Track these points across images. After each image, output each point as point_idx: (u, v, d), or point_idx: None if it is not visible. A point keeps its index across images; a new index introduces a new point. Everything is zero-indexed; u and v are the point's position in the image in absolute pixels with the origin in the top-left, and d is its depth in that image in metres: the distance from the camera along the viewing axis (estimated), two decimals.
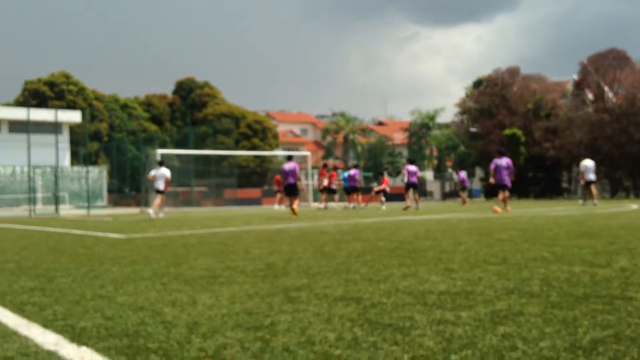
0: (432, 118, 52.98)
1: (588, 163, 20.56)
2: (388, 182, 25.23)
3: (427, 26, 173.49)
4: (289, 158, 17.65)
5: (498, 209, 16.04)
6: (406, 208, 19.75)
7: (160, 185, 17.96)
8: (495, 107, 36.16)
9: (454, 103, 41.39)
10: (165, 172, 18.13)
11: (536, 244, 6.49)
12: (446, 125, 51.47)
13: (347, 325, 2.89)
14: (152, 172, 18.38)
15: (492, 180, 17.16)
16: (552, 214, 14.11)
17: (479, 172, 42.83)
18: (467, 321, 2.91)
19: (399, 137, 60.59)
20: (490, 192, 36.42)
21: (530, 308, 3.18)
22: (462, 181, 27.79)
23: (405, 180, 20.79)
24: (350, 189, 23.66)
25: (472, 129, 38.01)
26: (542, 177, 35.52)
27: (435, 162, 51.34)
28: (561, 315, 3.00)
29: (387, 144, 55.99)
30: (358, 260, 5.39)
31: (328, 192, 24.46)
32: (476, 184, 42.61)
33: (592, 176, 20.34)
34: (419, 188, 26.24)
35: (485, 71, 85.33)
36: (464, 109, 39.17)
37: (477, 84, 43.04)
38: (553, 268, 4.63)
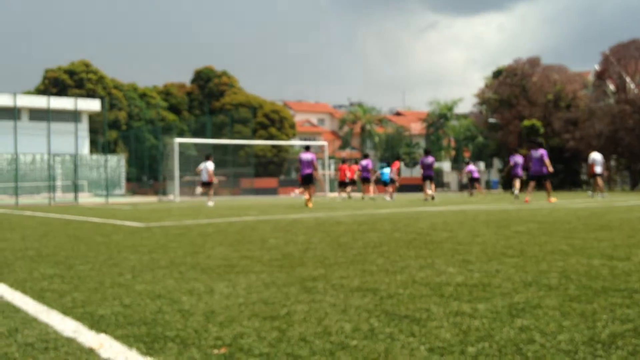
0: (450, 109, 52.58)
1: (596, 156, 20.91)
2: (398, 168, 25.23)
3: (448, 15, 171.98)
4: (307, 148, 17.80)
5: (553, 199, 16.83)
6: (426, 199, 19.96)
7: (205, 177, 20.35)
8: (514, 98, 35.72)
9: (473, 93, 40.97)
10: (209, 165, 20.27)
11: (554, 237, 6.43)
12: (464, 116, 51.04)
13: (363, 316, 2.89)
14: (200, 166, 20.71)
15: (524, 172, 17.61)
16: (570, 206, 13.96)
17: (497, 163, 42.44)
18: (484, 313, 2.90)
19: (417, 128, 60.28)
20: (508, 183, 36.18)
21: (548, 301, 3.16)
22: (470, 172, 27.68)
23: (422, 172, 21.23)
24: (364, 180, 24.24)
25: (491, 120, 37.61)
26: (561, 169, 35.18)
27: (453, 153, 50.97)
28: (580, 309, 2.97)
29: (405, 135, 55.72)
30: (374, 251, 5.38)
31: (347, 184, 25.11)
32: (494, 176, 42.24)
33: (599, 169, 20.73)
34: (435, 179, 26.37)
35: (505, 61, 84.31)
36: (482, 100, 38.74)
37: (497, 74, 42.54)
38: (572, 261, 4.59)
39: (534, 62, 36.99)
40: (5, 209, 18.10)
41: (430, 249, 5.52)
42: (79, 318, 2.96)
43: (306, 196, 16.44)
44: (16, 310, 3.17)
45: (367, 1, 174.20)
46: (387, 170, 24.85)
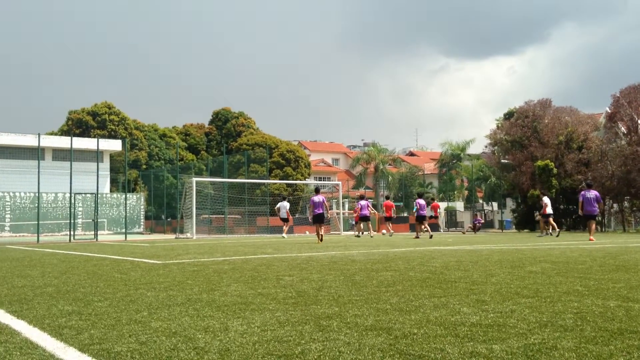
0: (462, 149, 52.71)
1: (546, 199, 23.59)
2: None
3: (458, 58, 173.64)
4: (317, 191, 19.84)
5: (593, 238, 17.37)
6: (417, 237, 21.95)
7: (283, 214, 24.90)
8: (526, 139, 35.72)
9: (485, 134, 41.09)
10: (285, 204, 25.18)
11: (569, 277, 6.37)
12: (477, 157, 51.04)
13: (377, 355, 2.90)
14: (278, 205, 25.40)
15: (580, 212, 18.75)
16: (585, 246, 13.78)
17: (510, 203, 42.19)
18: (499, 354, 2.89)
19: (430, 168, 60.34)
20: (521, 223, 35.91)
21: (564, 342, 3.14)
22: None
23: (415, 212, 23.48)
24: (363, 218, 25.65)
25: (504, 161, 37.55)
26: (574, 210, 34.92)
27: (466, 192, 50.81)
28: (596, 351, 2.95)
29: (418, 174, 55.76)
30: (389, 290, 5.38)
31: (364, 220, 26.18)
32: (507, 216, 41.92)
33: (549, 209, 23.29)
34: (445, 218, 27.37)
35: (516, 103, 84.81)
36: (495, 141, 38.78)
37: (509, 115, 42.69)
38: (587, 302, 4.55)
39: (545, 104, 37.11)
40: (26, 246, 18.31)
41: (444, 288, 5.50)
42: (96, 355, 3.00)
43: (321, 232, 18.23)
44: (34, 346, 3.22)
45: (380, 45, 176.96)
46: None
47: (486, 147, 42.61)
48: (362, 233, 26.92)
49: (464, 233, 29.53)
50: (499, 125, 41.93)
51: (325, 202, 19.03)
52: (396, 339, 3.26)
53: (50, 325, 3.85)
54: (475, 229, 32.57)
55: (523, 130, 36.10)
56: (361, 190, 53.50)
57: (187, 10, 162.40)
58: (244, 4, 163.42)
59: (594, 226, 18.41)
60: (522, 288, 5.44)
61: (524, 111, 37.33)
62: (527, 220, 35.40)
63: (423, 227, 23.20)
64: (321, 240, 17.97)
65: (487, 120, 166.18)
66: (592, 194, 18.17)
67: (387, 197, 31.89)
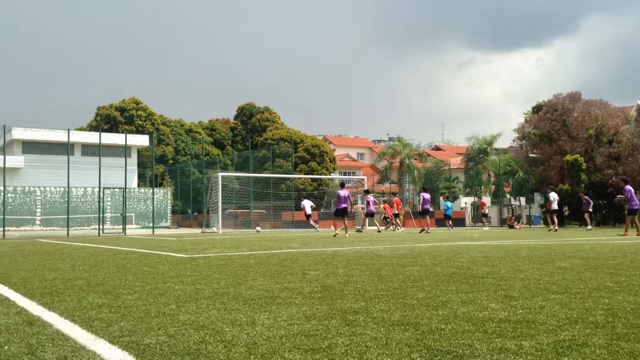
0: (489, 143, 52.03)
1: (554, 194, 24.89)
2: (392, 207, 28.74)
3: (485, 51, 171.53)
4: (342, 185, 20.35)
5: (628, 233, 18.19)
6: (422, 231, 23.09)
7: (308, 211, 28.38)
8: (555, 133, 35.05)
9: (512, 128, 40.56)
10: (306, 202, 28.69)
11: (599, 273, 6.25)
12: (504, 151, 50.35)
13: (405, 350, 2.89)
14: (302, 203, 28.60)
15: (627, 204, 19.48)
16: (615, 241, 13.51)
17: (538, 198, 41.55)
18: (529, 351, 2.85)
19: (456, 162, 59.73)
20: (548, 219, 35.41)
21: (595, 339, 3.08)
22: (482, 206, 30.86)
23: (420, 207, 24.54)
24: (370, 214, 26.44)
25: (532, 155, 36.94)
26: (604, 205, 34.19)
27: (493, 187, 50.23)
28: (628, 348, 2.89)
29: (444, 169, 55.26)
30: (415, 285, 5.35)
31: (369, 215, 27.02)
32: (535, 211, 41.31)
33: (555, 205, 24.51)
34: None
35: (544, 96, 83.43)
36: (523, 135, 38.14)
37: (537, 109, 41.98)
38: (618, 298, 4.46)
39: (574, 97, 36.36)
40: (57, 240, 18.69)
41: (471, 283, 5.45)
42: (126, 347, 3.04)
43: (345, 226, 18.70)
44: (66, 338, 3.28)
45: (405, 39, 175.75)
46: (450, 205, 29.67)
47: (514, 141, 42.04)
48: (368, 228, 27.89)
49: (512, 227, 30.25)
50: (527, 118, 41.28)
51: (350, 197, 19.59)
52: (423, 334, 3.24)
53: (81, 317, 3.91)
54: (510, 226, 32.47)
55: (552, 124, 35.48)
56: (386, 186, 53.27)
57: (212, 6, 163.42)
58: (268, 1, 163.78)
59: (632, 221, 18.89)
60: (552, 284, 5.36)
61: (552, 104, 36.66)
62: (556, 216, 34.81)
63: (426, 223, 24.25)
64: (346, 234, 18.33)
65: (514, 114, 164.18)
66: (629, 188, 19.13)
67: (395, 194, 32.80)
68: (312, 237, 17.90)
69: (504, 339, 3.12)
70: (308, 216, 28.33)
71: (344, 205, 19.08)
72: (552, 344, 2.98)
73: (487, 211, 31.26)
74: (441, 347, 2.93)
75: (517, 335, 3.19)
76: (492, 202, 47.34)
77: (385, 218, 29.14)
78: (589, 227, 24.87)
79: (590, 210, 26.17)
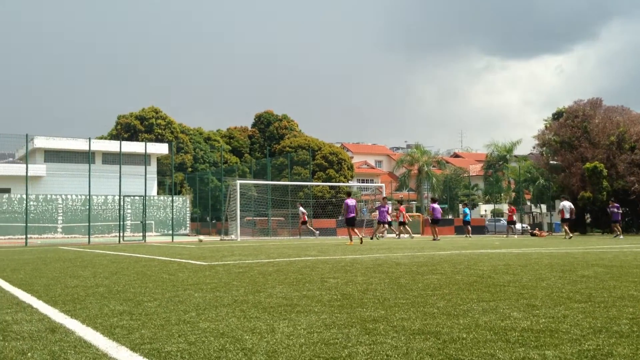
0: (509, 150, 51.62)
1: (565, 203, 25.20)
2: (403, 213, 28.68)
3: (503, 57, 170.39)
4: (349, 194, 21.68)
5: None
6: (434, 239, 23.06)
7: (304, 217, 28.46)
8: (576, 140, 34.67)
9: (532, 135, 40.19)
10: (302, 209, 29.02)
11: (623, 282, 6.15)
12: (524, 158, 49.90)
13: (426, 359, 2.86)
14: (301, 209, 28.74)
15: None
16: (638, 249, 13.29)
17: (559, 205, 41.12)
18: None
19: (475, 169, 59.31)
20: (571, 226, 34.92)
21: (620, 349, 3.03)
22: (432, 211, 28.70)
23: (431, 216, 25.12)
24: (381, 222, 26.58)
25: (552, 162, 36.57)
26: (626, 212, 33.67)
27: (513, 194, 49.75)
28: None
29: (463, 176, 54.87)
30: (435, 294, 5.30)
31: (402, 224, 27.57)
32: (557, 218, 40.83)
33: (567, 215, 24.92)
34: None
35: (564, 103, 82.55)
36: (543, 141, 37.78)
37: (557, 115, 41.61)
38: None
39: (595, 103, 35.96)
40: (78, 247, 18.91)
41: (492, 292, 5.39)
42: (147, 354, 3.06)
43: (360, 235, 19.34)
44: (88, 345, 3.30)
45: (422, 46, 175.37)
46: (468, 212, 29.86)
47: (534, 148, 41.68)
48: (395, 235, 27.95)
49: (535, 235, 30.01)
50: (548, 125, 40.93)
51: (356, 205, 20.62)
52: (445, 343, 3.21)
53: (103, 324, 3.95)
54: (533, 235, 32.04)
55: (572, 130, 35.11)
56: (404, 193, 53.06)
57: (230, 15, 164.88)
58: (285, 7, 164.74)
59: None
60: (575, 293, 5.29)
61: (573, 111, 36.31)
62: (577, 223, 34.40)
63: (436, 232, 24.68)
64: (361, 242, 18.65)
65: (533, 121, 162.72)
66: None
67: (401, 202, 33.21)
68: (330, 245, 17.88)
69: (526, 348, 3.07)
70: (304, 223, 28.71)
71: (352, 215, 19.73)
72: (576, 354, 2.93)
73: (515, 218, 30.84)
74: (463, 357, 2.90)
75: (540, 345, 3.14)
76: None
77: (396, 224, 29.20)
78: (620, 236, 24.66)
79: (619, 218, 25.98)
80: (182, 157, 50.47)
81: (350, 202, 20.10)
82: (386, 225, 26.46)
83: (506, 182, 52.27)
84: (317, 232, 28.97)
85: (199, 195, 45.71)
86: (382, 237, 26.68)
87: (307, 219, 29.11)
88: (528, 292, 5.34)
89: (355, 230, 19.80)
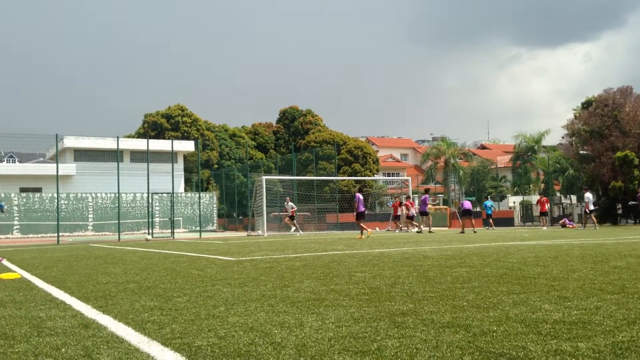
0: (537, 141, 50.79)
1: (589, 195, 25.61)
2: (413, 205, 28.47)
3: (530, 47, 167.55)
4: (361, 190, 22.33)
5: None
6: (462, 232, 23.11)
7: (414, 211, 26.52)
8: (606, 129, 33.92)
9: (561, 125, 39.42)
10: (291, 204, 27.75)
11: None
12: (553, 148, 49.05)
13: (456, 352, 2.84)
14: (290, 204, 27.51)
15: None
16: None
17: (585, 198, 40.35)
18: (586, 352, 2.76)
19: (503, 161, 58.52)
20: (602, 217, 34.25)
21: None
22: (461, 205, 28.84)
23: (461, 209, 25.33)
24: (422, 213, 26.37)
25: (582, 152, 35.84)
26: None
27: (542, 186, 48.98)
28: None
29: (490, 168, 54.19)
30: (464, 286, 5.26)
31: (395, 218, 28.18)
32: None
33: (592, 206, 25.22)
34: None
35: (593, 92, 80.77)
36: (572, 131, 37.05)
37: (587, 104, 40.78)
38: None
39: (625, 91, 35.11)
40: (108, 244, 19.23)
41: (523, 284, 5.32)
42: (178, 349, 3.09)
43: (368, 230, 19.53)
44: (120, 340, 3.36)
45: (446, 37, 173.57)
46: (490, 205, 30.18)
47: (563, 138, 40.95)
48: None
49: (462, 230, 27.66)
50: (577, 115, 40.14)
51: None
52: (475, 336, 3.18)
53: (134, 320, 4.00)
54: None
55: (602, 119, 34.38)
56: (431, 186, 52.65)
57: (253, 12, 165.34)
58: (309, 3, 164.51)
59: None
60: (607, 284, 5.19)
61: (603, 100, 35.53)
62: (608, 214, 33.73)
63: (418, 222, 25.43)
64: (367, 236, 19.06)
65: (561, 110, 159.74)
66: None
67: (408, 197, 33.04)
68: (357, 240, 17.85)
69: (559, 340, 3.03)
70: (292, 218, 28.01)
71: (363, 209, 20.20)
72: (610, 346, 2.88)
73: (547, 209, 30.34)
74: (494, 350, 2.87)
75: (573, 337, 3.09)
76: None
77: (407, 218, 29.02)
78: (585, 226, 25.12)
79: None
80: (208, 154, 50.88)
81: (361, 196, 20.62)
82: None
83: (535, 173, 51.48)
84: (300, 232, 27.80)
85: (225, 192, 46.08)
86: (406, 230, 26.65)
87: (295, 214, 28.47)
88: (559, 284, 5.26)
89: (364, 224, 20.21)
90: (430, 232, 24.17)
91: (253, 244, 15.83)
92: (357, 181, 45.56)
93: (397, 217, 28.66)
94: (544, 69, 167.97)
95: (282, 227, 32.69)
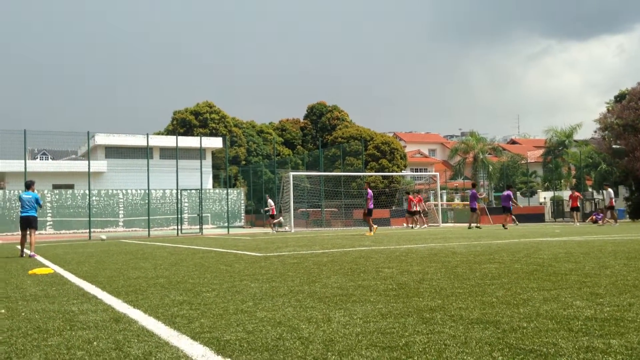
0: (569, 135, 49.83)
1: (612, 190, 25.94)
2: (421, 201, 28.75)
3: (560, 39, 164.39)
4: (369, 184, 22.57)
5: None
6: (505, 227, 22.66)
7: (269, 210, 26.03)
8: None
9: (593, 119, 38.57)
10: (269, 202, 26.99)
11: None
12: (585, 142, 48.08)
13: (486, 349, 2.80)
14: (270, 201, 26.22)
15: None
16: None
17: (622, 191, 39.41)
18: (618, 350, 2.71)
19: (533, 156, 57.61)
20: (635, 212, 33.49)
21: None
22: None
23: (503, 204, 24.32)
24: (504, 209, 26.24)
25: (615, 146, 35.01)
26: None
27: (574, 181, 48.10)
28: None
29: (520, 163, 53.38)
30: (493, 283, 5.19)
31: (411, 214, 27.81)
32: (620, 205, 39.19)
33: (613, 201, 25.43)
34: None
35: (627, 84, 78.87)
36: (605, 125, 36.19)
37: (620, 98, 39.82)
38: None
39: None
40: (139, 240, 19.53)
41: (553, 280, 5.23)
42: (207, 343, 3.13)
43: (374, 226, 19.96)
44: (150, 334, 3.41)
45: (473, 31, 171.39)
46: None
47: (595, 132, 40.07)
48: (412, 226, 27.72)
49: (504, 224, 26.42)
50: (610, 108, 39.25)
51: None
52: (504, 332, 3.14)
53: (164, 314, 4.06)
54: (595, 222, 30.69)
55: (636, 113, 33.53)
56: (459, 181, 52.11)
57: (277, 12, 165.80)
58: (334, 1, 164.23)
59: None
60: None
61: (637, 93, 34.65)
62: None
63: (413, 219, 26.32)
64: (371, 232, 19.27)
65: (593, 104, 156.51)
66: None
67: (407, 192, 32.32)
68: (384, 235, 17.78)
69: (590, 337, 2.97)
70: (272, 216, 27.54)
71: (372, 205, 20.63)
72: None
73: (579, 204, 29.54)
74: (524, 346, 2.83)
75: (605, 334, 3.03)
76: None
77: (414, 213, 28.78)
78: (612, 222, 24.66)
79: None
80: (236, 151, 51.23)
81: (371, 192, 20.94)
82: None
83: (566, 168, 50.53)
84: (276, 230, 27.14)
85: (252, 188, 46.34)
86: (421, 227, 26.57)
87: (275, 212, 27.80)
88: (591, 280, 5.16)
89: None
90: (478, 227, 23.55)
91: (280, 240, 15.90)
92: (384, 177, 45.38)
93: (413, 213, 28.57)
94: (575, 62, 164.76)
95: (309, 223, 32.76)
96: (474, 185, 26.60)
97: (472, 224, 23.81)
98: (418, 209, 27.65)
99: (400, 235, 17.54)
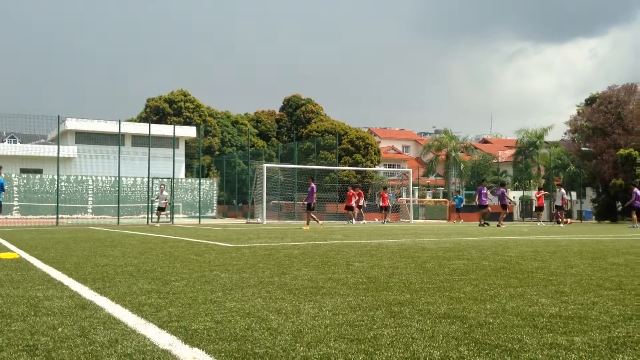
0: (540, 136, 50.77)
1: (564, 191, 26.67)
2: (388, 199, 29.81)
3: (536, 42, 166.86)
4: (313, 179, 23.55)
5: None
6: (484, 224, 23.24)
7: (161, 205, 23.82)
8: (609, 126, 33.87)
9: (564, 121, 39.31)
10: (165, 194, 24.02)
11: None
12: (555, 144, 49.04)
13: (452, 343, 2.84)
14: (162, 194, 23.72)
15: None
16: None
17: (590, 193, 40.33)
18: (581, 347, 2.77)
19: (504, 155, 58.49)
20: (602, 214, 34.29)
21: None
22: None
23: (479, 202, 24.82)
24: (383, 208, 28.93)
25: (584, 148, 35.79)
26: None
27: (543, 181, 49.05)
28: None
29: (492, 162, 54.21)
30: (462, 279, 5.26)
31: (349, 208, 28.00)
32: (587, 206, 40.11)
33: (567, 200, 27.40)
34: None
35: (598, 88, 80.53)
36: (575, 127, 36.96)
37: (590, 101, 40.69)
38: None
39: (630, 89, 35.00)
40: (107, 227, 19.26)
41: (520, 278, 5.33)
42: (174, 332, 3.10)
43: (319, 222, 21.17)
44: (117, 322, 3.36)
45: (452, 30, 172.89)
46: (461, 198, 31.18)
47: (565, 134, 40.89)
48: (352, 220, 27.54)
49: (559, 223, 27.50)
50: (580, 111, 40.06)
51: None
52: (471, 327, 3.18)
53: (131, 302, 4.01)
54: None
55: (606, 116, 34.31)
56: (431, 178, 52.68)
57: (258, 1, 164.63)
58: None
59: None
60: (604, 280, 5.19)
61: (607, 97, 35.45)
62: (608, 211, 33.76)
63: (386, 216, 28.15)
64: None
65: (565, 106, 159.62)
66: None
67: (385, 188, 33.56)
68: (355, 230, 17.86)
69: (555, 334, 3.03)
70: (162, 209, 23.98)
71: (312, 200, 21.68)
72: (606, 341, 2.88)
73: (544, 204, 30.26)
74: (489, 341, 2.87)
75: (569, 331, 3.09)
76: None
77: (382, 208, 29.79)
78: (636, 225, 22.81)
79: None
80: (210, 141, 50.84)
81: (315, 187, 21.92)
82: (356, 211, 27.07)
83: (536, 169, 51.48)
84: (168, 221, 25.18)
85: (225, 179, 46.06)
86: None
87: (167, 206, 24.56)
88: (557, 279, 5.26)
89: (312, 215, 21.56)
90: (486, 224, 23.27)
91: (252, 231, 15.85)
92: (357, 172, 45.53)
93: (385, 208, 29.43)
94: (549, 65, 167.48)
95: (281, 215, 32.72)
96: (503, 185, 27.09)
97: (501, 222, 23.44)
98: (361, 204, 28.02)
99: (371, 230, 17.64)
